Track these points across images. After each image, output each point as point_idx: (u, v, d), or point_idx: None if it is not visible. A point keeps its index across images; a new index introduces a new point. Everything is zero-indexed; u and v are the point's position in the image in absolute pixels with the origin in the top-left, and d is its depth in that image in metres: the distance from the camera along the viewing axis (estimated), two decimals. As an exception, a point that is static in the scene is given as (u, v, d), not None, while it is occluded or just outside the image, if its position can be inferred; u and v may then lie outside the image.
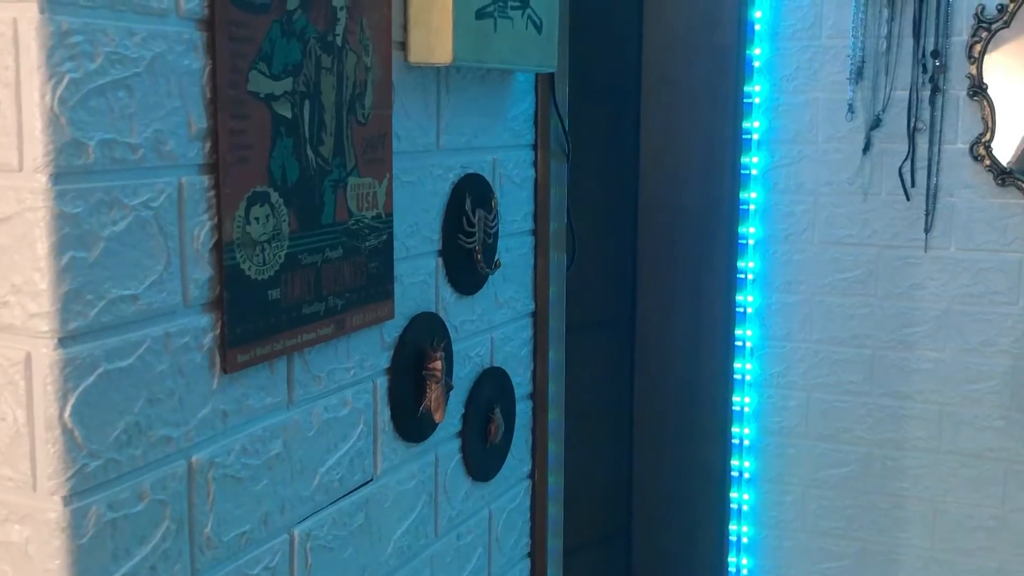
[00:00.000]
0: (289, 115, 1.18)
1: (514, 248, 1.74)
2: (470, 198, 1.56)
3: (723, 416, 2.97)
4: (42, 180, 0.89)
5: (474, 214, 1.58)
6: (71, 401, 0.93)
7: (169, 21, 1.01)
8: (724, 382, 2.97)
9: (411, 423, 1.46)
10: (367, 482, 1.38)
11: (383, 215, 1.36)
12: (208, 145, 1.07)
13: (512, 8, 1.52)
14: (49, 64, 0.88)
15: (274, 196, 1.16)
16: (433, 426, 1.50)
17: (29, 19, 0.87)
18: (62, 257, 0.91)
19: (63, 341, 0.92)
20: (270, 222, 1.15)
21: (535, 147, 1.78)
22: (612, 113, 2.79)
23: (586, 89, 2.63)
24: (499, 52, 1.49)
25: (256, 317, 1.14)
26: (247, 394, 1.15)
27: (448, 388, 1.52)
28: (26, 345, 0.91)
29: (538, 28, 1.60)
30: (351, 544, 1.35)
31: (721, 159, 2.90)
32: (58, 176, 0.90)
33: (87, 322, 0.93)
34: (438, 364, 1.48)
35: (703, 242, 2.91)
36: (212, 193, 1.08)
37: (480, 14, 1.43)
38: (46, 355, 0.91)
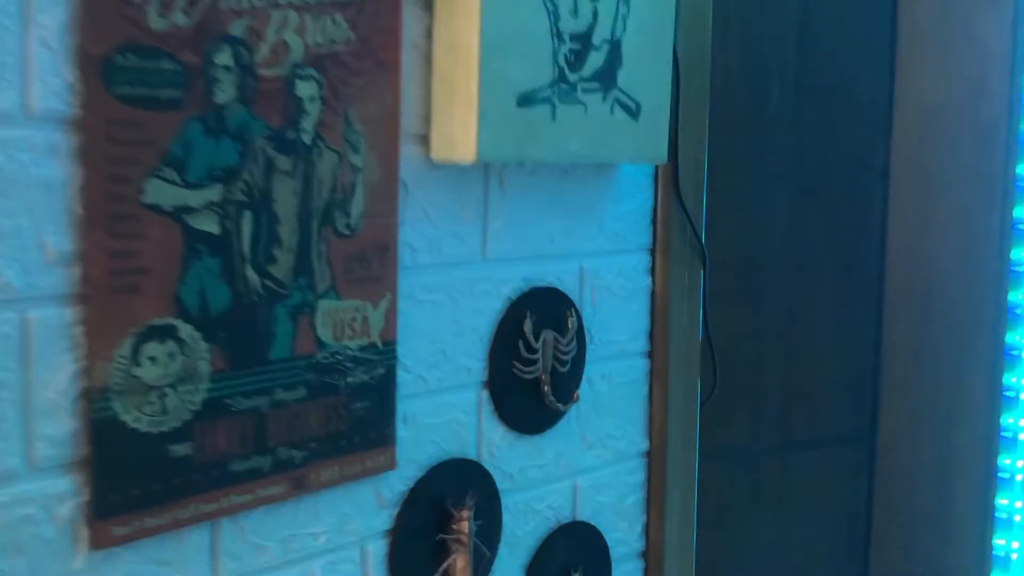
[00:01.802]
0: (216, 230, 0.96)
1: (615, 375, 1.43)
2: (532, 317, 1.28)
3: (981, 560, 2.49)
4: None
5: (537, 337, 1.29)
6: None
7: (15, 124, 0.83)
8: (983, 519, 2.49)
9: (422, 597, 1.19)
10: (348, 671, 1.13)
11: (379, 344, 1.12)
12: (78, 272, 0.87)
13: (586, 90, 1.23)
14: None
15: (184, 329, 0.94)
16: (459, 600, 1.23)
17: None
18: None
19: None
20: (175, 361, 0.94)
21: (653, 252, 1.47)
22: (853, 198, 2.42)
23: (819, 172, 2.29)
24: (559, 145, 1.21)
25: (147, 479, 0.93)
26: (136, 572, 0.94)
27: (483, 556, 1.24)
28: None
29: (632, 113, 1.30)
30: None
31: (986, 253, 2.44)
32: None
33: None
34: (464, 526, 1.20)
35: (961, 351, 2.46)
36: (81, 329, 0.88)
37: (526, 100, 1.16)
38: None
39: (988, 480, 2.48)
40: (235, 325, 0.98)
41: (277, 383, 1.02)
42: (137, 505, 0.92)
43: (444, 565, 1.20)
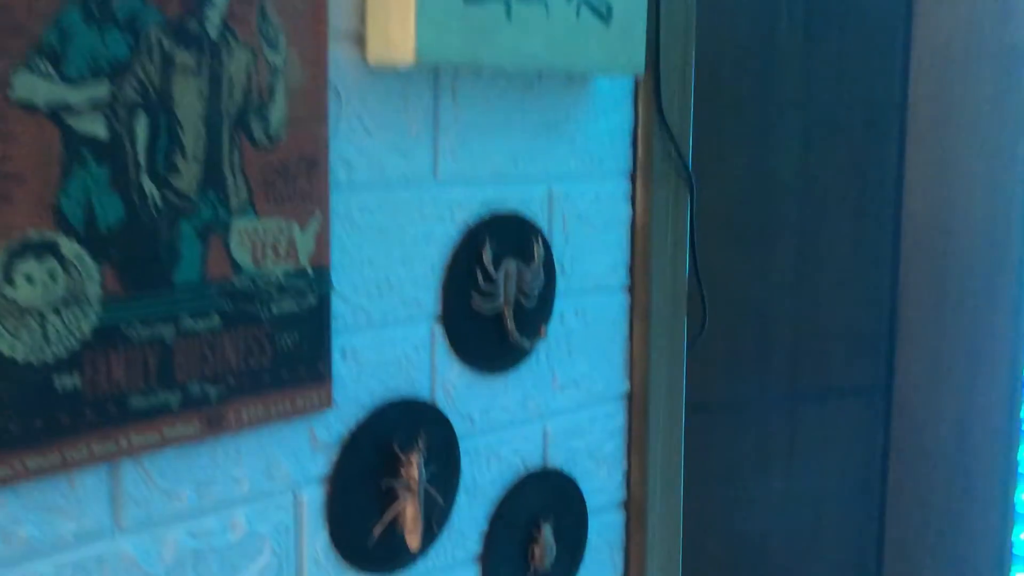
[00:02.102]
0: (103, 134, 0.84)
1: (590, 310, 1.31)
2: (492, 245, 1.16)
3: (1004, 519, 2.38)
4: None
5: (497, 267, 1.17)
6: None
7: None
8: (1006, 474, 2.38)
9: (366, 550, 1.08)
10: (280, 630, 1.02)
11: (309, 270, 1.00)
12: (-67, 175, 0.76)
13: (547, -13, 1.10)
14: None
15: (67, 246, 0.83)
16: (409, 553, 1.11)
17: None
18: None
19: None
20: (57, 282, 0.83)
21: (633, 177, 1.34)
22: (869, 135, 2.28)
23: (833, 106, 2.16)
24: (516, 49, 1.08)
25: (26, 414, 0.82)
26: (18, 518, 0.83)
27: (436, 505, 1.13)
28: None
29: (602, 16, 1.16)
30: None
31: (1010, 190, 2.30)
32: None
33: None
34: (413, 471, 1.09)
35: (983, 296, 2.33)
36: (-61, 242, 0.77)
37: (474, -6, 1.03)
38: None
39: (1011, 432, 2.36)
40: (131, 243, 0.87)
41: (184, 310, 0.91)
42: (15, 443, 0.82)
43: (391, 513, 1.09)
